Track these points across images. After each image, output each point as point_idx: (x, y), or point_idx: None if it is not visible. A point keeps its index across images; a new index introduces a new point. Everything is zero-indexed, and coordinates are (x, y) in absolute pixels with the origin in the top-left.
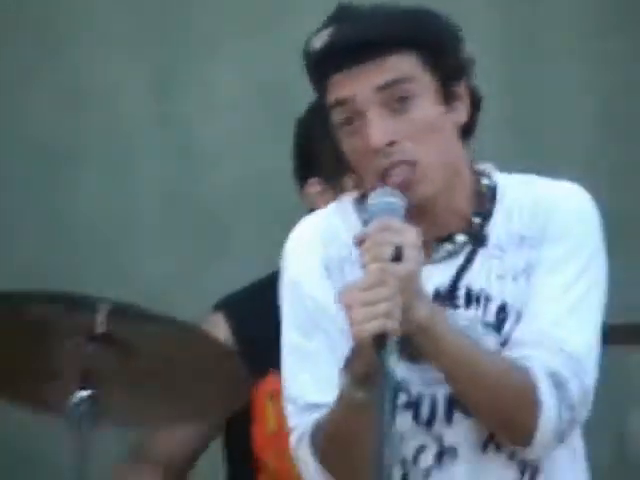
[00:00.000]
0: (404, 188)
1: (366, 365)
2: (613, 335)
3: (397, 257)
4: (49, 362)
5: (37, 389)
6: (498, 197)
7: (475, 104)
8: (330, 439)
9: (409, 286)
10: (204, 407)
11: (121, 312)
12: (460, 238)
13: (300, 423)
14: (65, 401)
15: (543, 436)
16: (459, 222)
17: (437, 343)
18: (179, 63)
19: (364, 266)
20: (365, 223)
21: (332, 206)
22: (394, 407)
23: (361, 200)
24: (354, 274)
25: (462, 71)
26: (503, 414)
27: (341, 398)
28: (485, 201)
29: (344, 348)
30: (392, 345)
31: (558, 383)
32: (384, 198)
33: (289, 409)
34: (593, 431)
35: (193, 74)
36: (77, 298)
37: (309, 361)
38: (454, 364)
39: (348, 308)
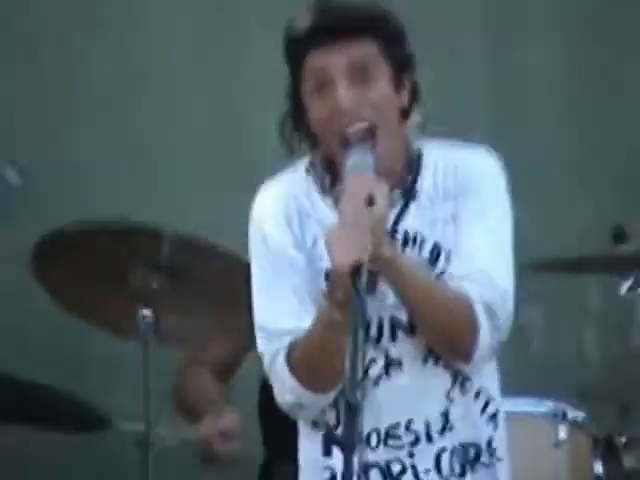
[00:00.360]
0: (368, 144)
1: (344, 292)
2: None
3: (370, 203)
4: (116, 286)
5: (105, 309)
6: (424, 159)
7: (414, 94)
8: (307, 355)
9: (379, 227)
10: (244, 324)
11: (182, 243)
12: (396, 192)
13: (270, 348)
14: (128, 320)
15: (480, 353)
16: (395, 180)
17: (400, 274)
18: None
19: (342, 210)
20: (344, 173)
21: (290, 169)
22: (365, 325)
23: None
24: (308, 224)
25: (409, 65)
26: (449, 334)
27: (320, 320)
28: (414, 163)
29: (300, 283)
30: (365, 274)
31: (491, 311)
32: (359, 155)
33: (259, 338)
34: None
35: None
36: (144, 228)
37: (274, 295)
38: (413, 291)
39: (328, 244)
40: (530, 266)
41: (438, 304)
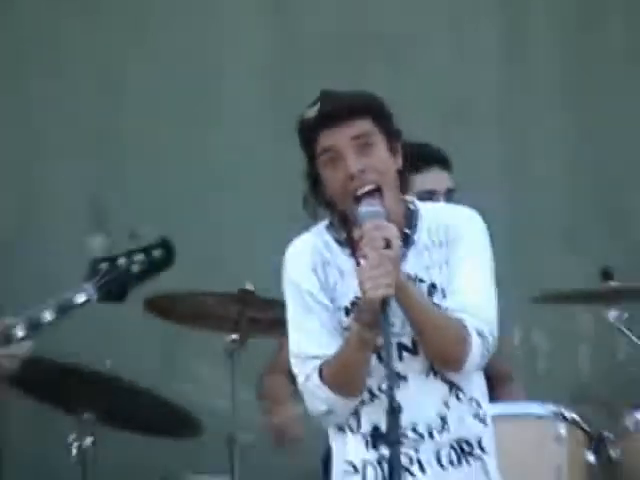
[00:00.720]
0: (376, 201)
1: (372, 316)
2: None
3: (387, 245)
4: (211, 317)
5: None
6: (420, 215)
7: (405, 159)
8: (340, 368)
9: (396, 264)
10: None
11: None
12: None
13: (304, 370)
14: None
15: (469, 364)
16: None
17: (410, 298)
18: None
19: (365, 254)
20: (358, 226)
21: (313, 229)
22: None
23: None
24: (330, 270)
25: (398, 134)
26: (447, 350)
27: (351, 339)
28: (411, 218)
29: (326, 318)
30: (390, 304)
31: (481, 334)
32: (371, 207)
33: (294, 362)
34: None
35: None
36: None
37: (306, 328)
38: (420, 313)
39: (361, 282)
40: (539, 299)
41: (439, 322)
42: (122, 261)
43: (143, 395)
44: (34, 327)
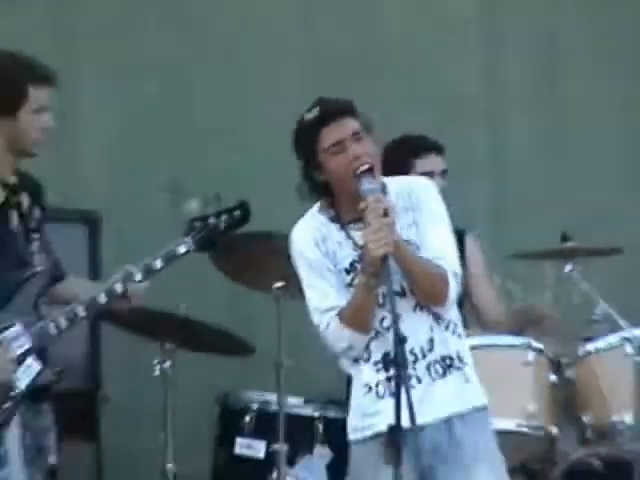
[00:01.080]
0: (371, 176)
1: (376, 268)
2: None
3: (385, 214)
4: (263, 268)
5: (253, 277)
6: (388, 187)
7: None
8: (355, 310)
9: (393, 228)
10: None
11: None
12: None
13: (323, 319)
14: (267, 286)
15: (450, 299)
16: None
17: (404, 253)
18: None
19: (369, 221)
20: (363, 196)
21: (307, 214)
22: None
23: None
24: (328, 243)
25: (371, 129)
26: (433, 289)
27: (359, 287)
28: (384, 190)
29: (334, 279)
30: (389, 259)
31: (454, 274)
32: (370, 184)
33: (314, 316)
34: None
35: None
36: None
37: (319, 290)
38: (412, 264)
39: (366, 243)
40: (515, 256)
41: (427, 270)
42: (212, 220)
43: (209, 328)
44: (148, 272)
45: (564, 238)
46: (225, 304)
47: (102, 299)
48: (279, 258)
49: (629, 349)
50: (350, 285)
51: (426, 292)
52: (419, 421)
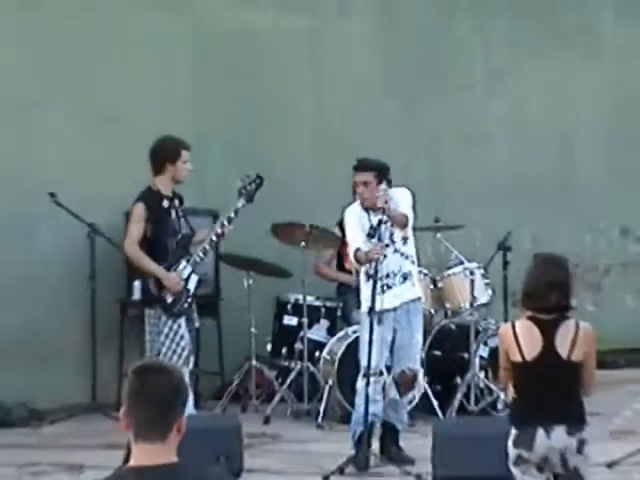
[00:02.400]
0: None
1: (371, 260)
2: None
3: (386, 202)
4: (294, 236)
5: (290, 240)
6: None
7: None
8: (358, 258)
9: (390, 206)
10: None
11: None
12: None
13: (351, 252)
14: (296, 244)
15: (409, 226)
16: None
17: (393, 213)
18: None
19: (373, 252)
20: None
21: (355, 203)
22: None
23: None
24: (361, 220)
25: (385, 176)
26: (404, 222)
27: (362, 255)
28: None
29: (360, 234)
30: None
31: (409, 218)
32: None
33: (351, 251)
34: None
35: None
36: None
37: (356, 238)
38: (396, 216)
39: (368, 254)
40: (424, 228)
41: (402, 217)
42: (248, 187)
43: (271, 265)
44: (229, 220)
45: (436, 220)
46: (278, 253)
47: (214, 237)
48: (302, 233)
49: (467, 273)
50: (368, 238)
51: (402, 223)
52: (395, 304)
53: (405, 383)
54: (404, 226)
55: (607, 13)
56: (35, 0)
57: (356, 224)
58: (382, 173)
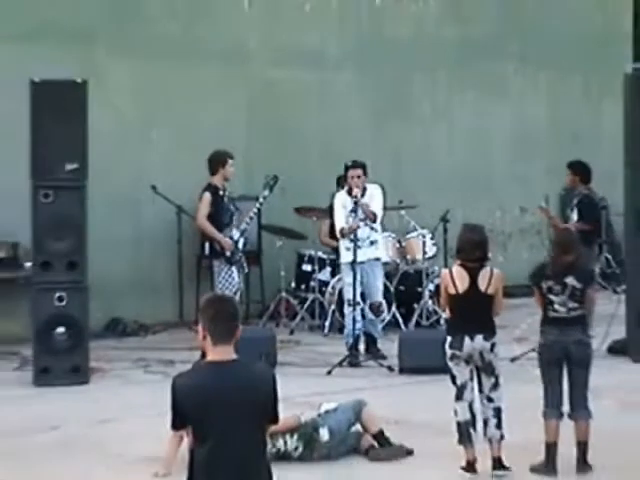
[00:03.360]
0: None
1: (351, 230)
2: None
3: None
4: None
5: (307, 215)
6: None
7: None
8: (342, 232)
9: (358, 221)
10: None
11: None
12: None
13: (338, 228)
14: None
15: (377, 220)
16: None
17: (366, 209)
18: None
19: (354, 224)
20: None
21: (342, 190)
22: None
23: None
24: (346, 202)
25: (366, 173)
26: (375, 218)
27: (345, 229)
28: (365, 190)
29: (344, 213)
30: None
31: (378, 215)
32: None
33: (337, 225)
34: None
35: None
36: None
37: (339, 217)
38: (368, 212)
39: (351, 226)
40: (395, 207)
41: (371, 214)
42: (270, 182)
43: (291, 230)
44: (261, 203)
45: (400, 202)
46: (298, 224)
47: (252, 214)
48: (313, 212)
49: (420, 237)
50: (350, 213)
51: (372, 219)
52: (363, 259)
53: (374, 309)
54: (374, 221)
55: (509, 65)
56: (148, 67)
57: (340, 207)
58: (365, 169)
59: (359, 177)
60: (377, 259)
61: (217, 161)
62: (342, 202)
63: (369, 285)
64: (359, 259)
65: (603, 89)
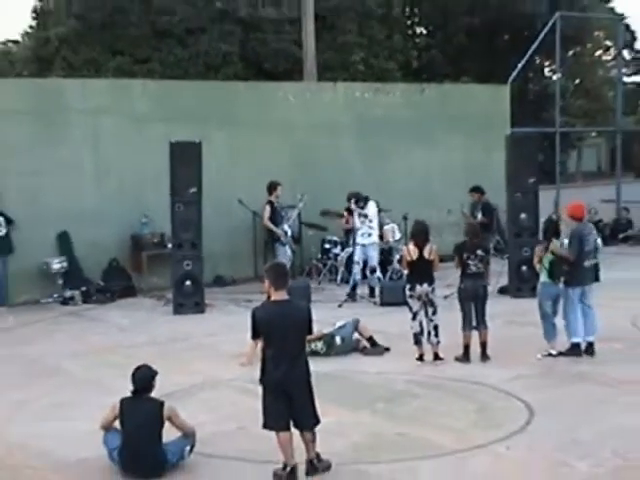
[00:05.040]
0: None
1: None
2: None
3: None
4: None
5: (328, 216)
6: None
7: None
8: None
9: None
10: None
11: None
12: None
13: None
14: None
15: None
16: None
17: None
18: None
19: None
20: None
21: (353, 204)
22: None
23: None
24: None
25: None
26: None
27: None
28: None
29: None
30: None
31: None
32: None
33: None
34: None
35: None
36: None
37: (356, 220)
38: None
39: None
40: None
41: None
42: (303, 198)
43: (317, 224)
44: (300, 211)
45: (378, 206)
46: (323, 221)
47: (294, 216)
48: (333, 214)
49: (392, 227)
50: (359, 216)
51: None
52: (365, 243)
53: (372, 270)
54: (370, 221)
55: (441, 132)
56: (236, 134)
57: (356, 215)
58: (359, 197)
59: (357, 202)
60: (372, 244)
61: (272, 186)
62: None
63: (367, 258)
64: (363, 242)
65: (493, 144)
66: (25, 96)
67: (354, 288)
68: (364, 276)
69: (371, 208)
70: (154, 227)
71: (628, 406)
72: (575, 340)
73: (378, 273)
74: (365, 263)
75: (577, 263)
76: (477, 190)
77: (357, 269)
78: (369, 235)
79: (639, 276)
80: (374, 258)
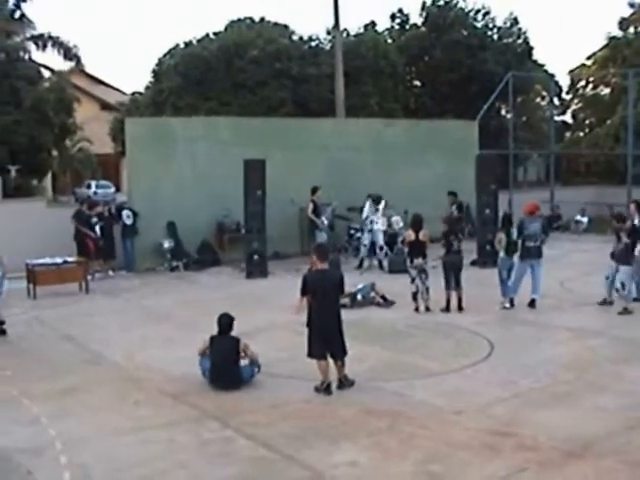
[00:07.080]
0: None
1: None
2: None
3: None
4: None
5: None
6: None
7: None
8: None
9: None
10: None
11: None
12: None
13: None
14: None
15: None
16: None
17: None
18: None
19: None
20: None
21: (368, 202)
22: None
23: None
24: (371, 209)
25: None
26: None
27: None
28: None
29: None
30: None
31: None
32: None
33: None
34: None
35: None
36: None
37: (368, 211)
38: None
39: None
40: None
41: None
42: (334, 203)
43: (344, 215)
44: (333, 209)
45: (386, 203)
46: (348, 214)
47: (329, 211)
48: (355, 211)
49: (397, 218)
50: (372, 210)
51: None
52: (378, 228)
53: (380, 248)
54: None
55: (428, 153)
56: (289, 154)
57: (367, 209)
58: (380, 199)
59: (375, 200)
60: (381, 230)
61: (314, 190)
62: (368, 206)
63: (377, 239)
64: (371, 228)
65: (467, 162)
66: (148, 129)
67: (361, 263)
68: (374, 252)
69: (381, 205)
70: (233, 218)
71: (556, 342)
72: (513, 296)
73: (385, 249)
74: (373, 244)
75: (523, 244)
76: (452, 194)
77: (364, 251)
78: (377, 223)
79: (565, 252)
80: (380, 239)
